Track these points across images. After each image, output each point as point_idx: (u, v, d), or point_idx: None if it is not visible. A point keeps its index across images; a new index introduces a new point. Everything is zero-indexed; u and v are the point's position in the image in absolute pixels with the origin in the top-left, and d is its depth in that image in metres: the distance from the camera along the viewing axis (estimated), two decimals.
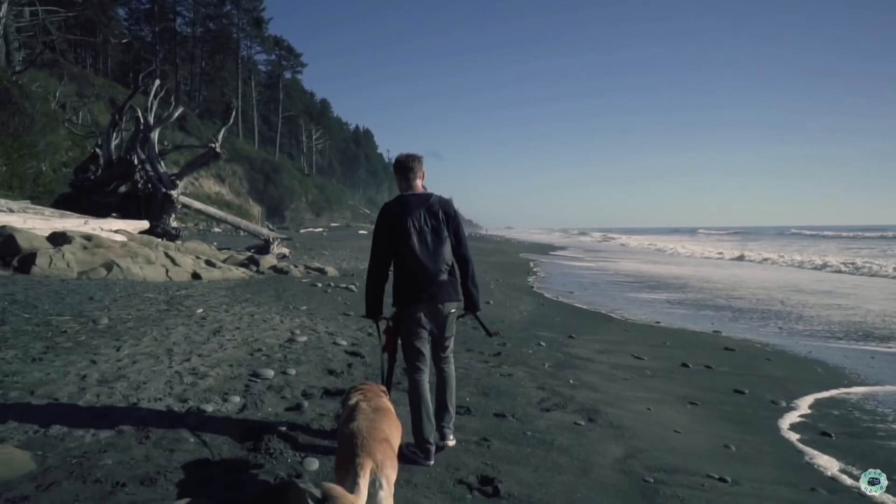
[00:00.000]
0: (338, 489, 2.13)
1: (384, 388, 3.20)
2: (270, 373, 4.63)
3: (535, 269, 22.51)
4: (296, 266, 13.46)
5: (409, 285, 3.38)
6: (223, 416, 3.69)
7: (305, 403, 4.10)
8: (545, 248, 43.42)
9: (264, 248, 16.38)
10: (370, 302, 3.52)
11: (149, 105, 14.49)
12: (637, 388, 6.07)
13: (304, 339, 6.04)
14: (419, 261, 3.30)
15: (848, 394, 6.35)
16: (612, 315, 11.45)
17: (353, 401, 2.85)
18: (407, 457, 3.28)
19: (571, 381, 5.96)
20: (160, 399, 3.80)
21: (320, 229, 50.30)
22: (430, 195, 3.52)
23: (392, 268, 3.49)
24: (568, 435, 4.22)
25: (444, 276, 3.38)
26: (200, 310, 6.95)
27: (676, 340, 8.92)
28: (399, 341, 3.53)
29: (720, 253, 35.68)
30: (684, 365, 7.30)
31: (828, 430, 4.82)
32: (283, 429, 3.58)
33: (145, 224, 13.22)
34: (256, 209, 51.65)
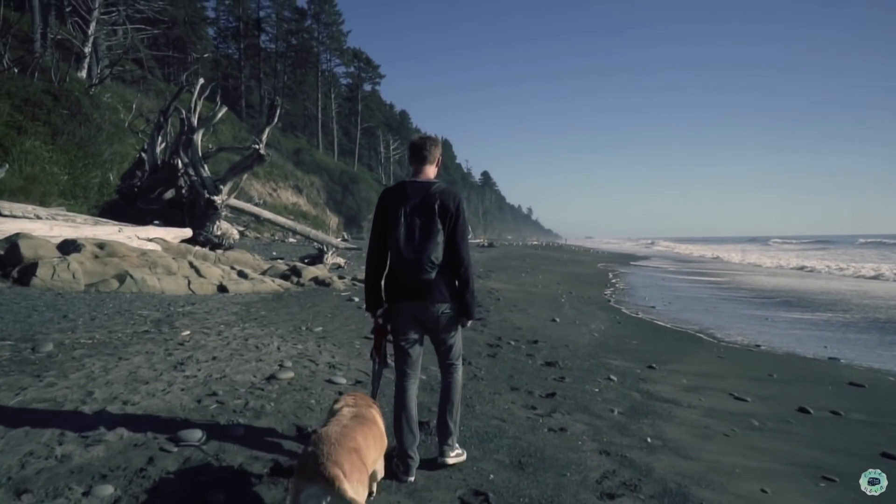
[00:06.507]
0: None
1: (374, 400, 3.10)
2: (198, 435, 3.24)
3: (613, 281, 20.46)
4: (342, 278, 12.32)
5: (394, 279, 3.18)
6: None
7: (220, 498, 2.69)
8: (625, 259, 40.63)
9: (318, 257, 15.43)
10: (367, 294, 3.31)
11: (192, 105, 13.88)
12: (742, 451, 4.29)
13: (289, 374, 4.66)
14: (401, 253, 3.05)
15: None
16: (701, 336, 9.55)
17: (337, 405, 2.79)
18: (391, 469, 3.12)
19: (649, 440, 4.27)
20: None
21: None
22: (433, 184, 3.18)
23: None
24: None
25: (431, 275, 3.07)
26: (188, 332, 5.77)
27: (784, 371, 7.06)
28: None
29: (845, 266, 29.97)
30: (802, 410, 5.48)
31: None
32: None
33: (188, 232, 12.51)
34: (334, 220, 52.07)
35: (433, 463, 3.38)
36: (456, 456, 3.42)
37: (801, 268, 30.69)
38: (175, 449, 3.08)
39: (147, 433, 3.24)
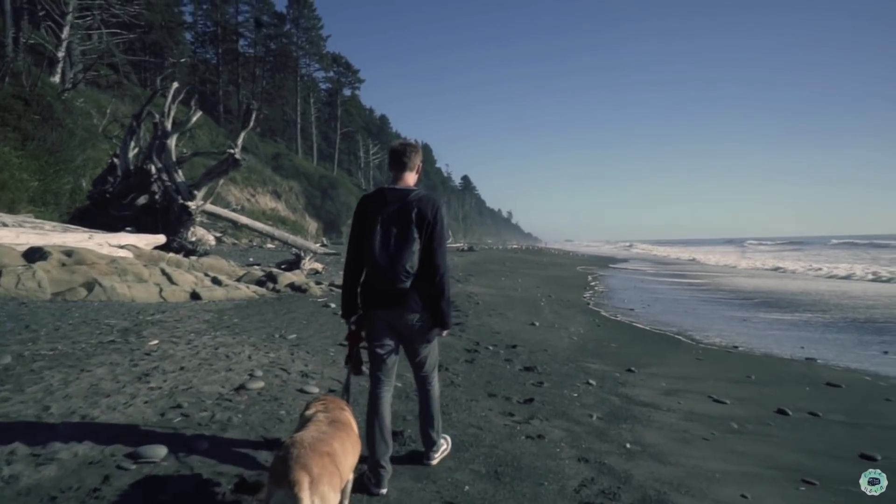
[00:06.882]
0: None
1: (347, 404, 3.00)
2: (159, 450, 3.11)
3: (592, 284, 20.51)
4: (319, 283, 12.15)
5: (370, 286, 3.14)
6: None
7: None
8: (604, 261, 40.83)
9: (295, 263, 15.21)
10: (343, 300, 3.29)
11: (166, 110, 13.62)
12: (722, 455, 4.25)
13: (259, 384, 4.52)
14: (376, 260, 3.02)
15: None
16: (680, 338, 9.56)
17: (310, 411, 2.73)
18: (361, 482, 3.04)
19: (628, 446, 4.21)
20: None
21: None
22: (411, 191, 3.15)
23: None
24: None
25: (405, 283, 3.04)
26: (156, 341, 5.59)
27: (762, 372, 7.09)
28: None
29: (820, 267, 30.25)
30: (781, 411, 5.47)
31: None
32: None
33: (161, 238, 12.23)
34: (313, 225, 51.59)
35: (416, 464, 3.47)
36: (441, 454, 3.56)
37: (777, 269, 31.14)
38: (133, 466, 2.94)
39: (104, 450, 3.09)
